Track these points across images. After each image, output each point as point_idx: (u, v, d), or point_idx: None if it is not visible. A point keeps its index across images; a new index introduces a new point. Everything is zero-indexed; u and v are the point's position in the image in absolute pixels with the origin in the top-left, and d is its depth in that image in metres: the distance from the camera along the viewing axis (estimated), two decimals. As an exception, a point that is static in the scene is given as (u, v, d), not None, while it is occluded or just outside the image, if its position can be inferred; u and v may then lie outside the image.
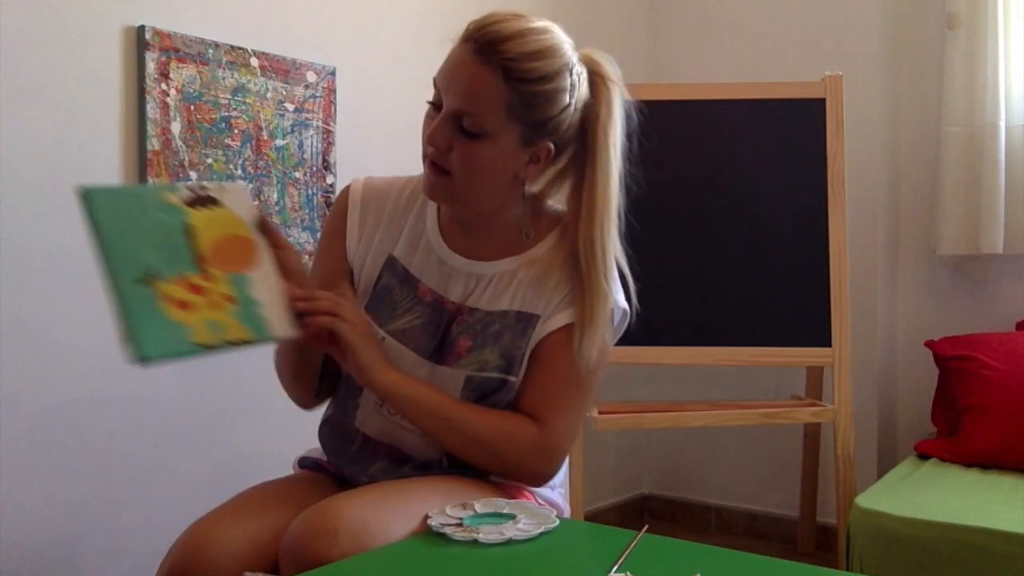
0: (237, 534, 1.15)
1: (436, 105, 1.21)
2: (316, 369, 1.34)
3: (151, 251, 1.04)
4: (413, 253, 1.31)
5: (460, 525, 1.10)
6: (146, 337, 1.00)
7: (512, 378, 1.26)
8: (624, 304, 1.31)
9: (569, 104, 1.21)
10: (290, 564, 1.06)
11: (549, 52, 1.17)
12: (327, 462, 1.38)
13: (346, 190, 1.36)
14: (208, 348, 1.04)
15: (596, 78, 1.25)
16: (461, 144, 1.18)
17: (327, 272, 1.35)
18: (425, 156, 1.23)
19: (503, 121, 1.17)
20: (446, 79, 1.19)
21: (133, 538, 1.83)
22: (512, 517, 1.13)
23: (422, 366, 1.27)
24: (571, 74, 1.20)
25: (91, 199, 1.04)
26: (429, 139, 1.20)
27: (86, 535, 1.77)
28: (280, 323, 1.11)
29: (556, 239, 1.30)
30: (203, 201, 1.10)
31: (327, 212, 2.10)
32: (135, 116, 1.82)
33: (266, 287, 1.11)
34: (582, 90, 1.23)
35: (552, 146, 1.23)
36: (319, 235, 1.44)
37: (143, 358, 0.99)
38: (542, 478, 1.29)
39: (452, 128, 1.18)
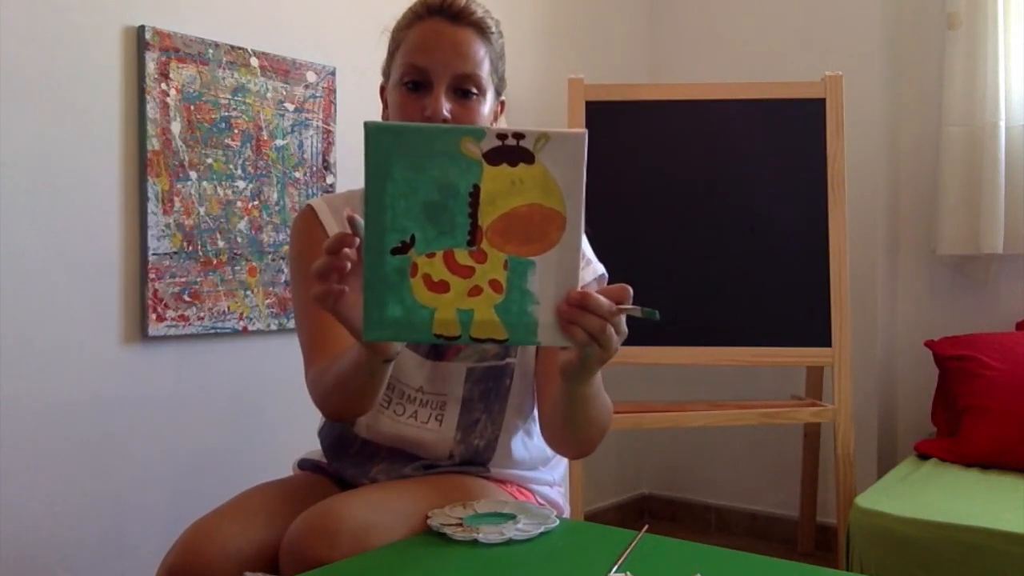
0: (237, 534, 1.15)
1: (417, 85, 1.22)
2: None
3: (420, 217, 0.87)
4: None
5: (460, 525, 1.10)
6: (379, 318, 0.88)
7: (511, 359, 1.28)
8: (602, 268, 1.33)
9: None
10: (290, 564, 1.07)
11: (489, 11, 1.28)
12: (327, 464, 1.38)
13: (307, 210, 1.33)
14: (446, 339, 0.90)
15: None
16: (461, 108, 1.22)
17: None
18: None
19: (489, 76, 1.25)
20: (433, 53, 1.21)
21: (133, 538, 1.83)
22: (512, 517, 1.13)
23: (422, 365, 1.28)
24: None
25: (371, 138, 0.86)
26: (434, 113, 1.20)
27: (86, 535, 1.77)
28: (551, 327, 0.90)
29: None
30: (512, 155, 0.87)
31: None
32: (135, 116, 1.82)
33: (553, 278, 0.89)
34: None
35: (504, 101, 1.32)
36: (291, 268, 1.35)
37: (367, 339, 0.90)
38: None
39: (450, 96, 1.21)
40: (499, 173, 0.87)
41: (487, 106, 1.25)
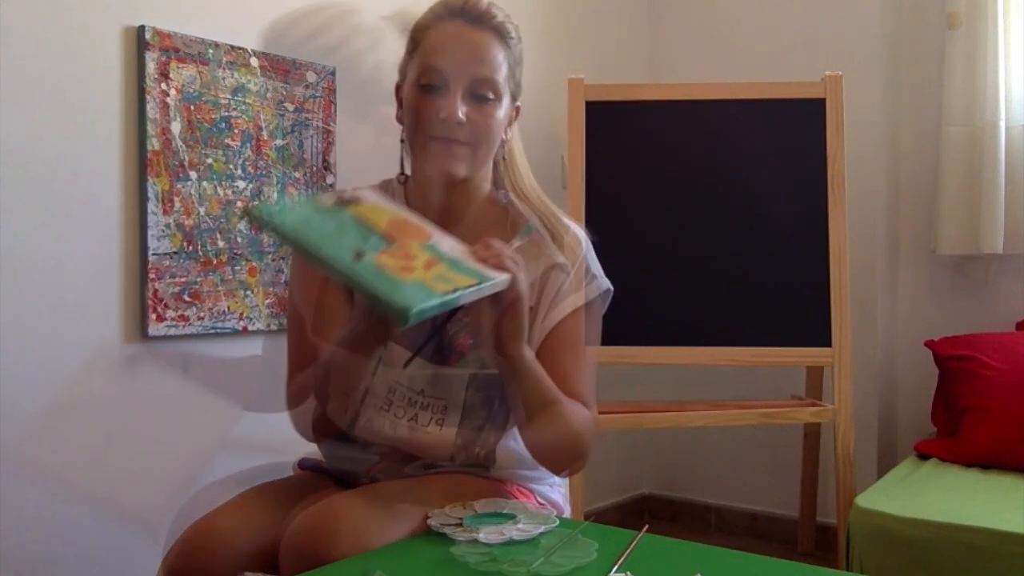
0: (237, 534, 1.15)
1: (433, 87, 1.21)
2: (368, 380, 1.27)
3: (345, 239, 1.03)
4: None
5: (460, 525, 1.10)
6: (404, 294, 0.97)
7: None
8: (608, 283, 1.33)
9: None
10: (290, 564, 1.07)
11: (509, 16, 1.28)
12: (327, 463, 1.38)
13: None
14: (450, 298, 1.00)
15: None
16: (477, 112, 1.21)
17: (322, 285, 1.29)
18: (430, 136, 1.22)
19: (506, 81, 1.25)
20: (451, 56, 1.21)
21: (133, 538, 1.83)
22: (512, 517, 1.13)
23: (425, 368, 1.27)
24: None
25: (271, 218, 1.07)
26: (449, 116, 1.20)
27: (86, 535, 1.77)
28: (486, 269, 1.07)
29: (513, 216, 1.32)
30: (349, 202, 1.11)
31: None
32: (135, 116, 1.82)
33: (454, 249, 1.08)
34: None
35: (519, 106, 1.32)
36: (293, 268, 1.41)
37: (412, 314, 0.95)
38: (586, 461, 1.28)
39: (466, 99, 1.21)
40: (358, 208, 1.10)
41: (502, 111, 1.24)
